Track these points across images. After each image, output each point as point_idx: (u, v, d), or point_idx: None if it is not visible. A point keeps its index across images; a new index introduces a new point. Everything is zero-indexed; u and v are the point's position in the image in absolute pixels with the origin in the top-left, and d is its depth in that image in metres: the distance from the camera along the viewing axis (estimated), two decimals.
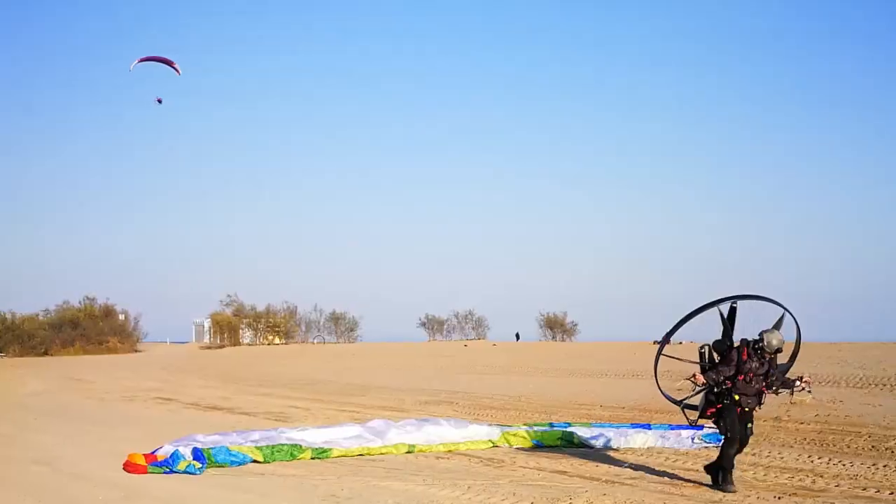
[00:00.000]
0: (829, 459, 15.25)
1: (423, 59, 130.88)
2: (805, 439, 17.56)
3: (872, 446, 16.45)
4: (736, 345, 13.28)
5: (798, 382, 13.43)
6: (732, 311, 13.83)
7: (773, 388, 13.24)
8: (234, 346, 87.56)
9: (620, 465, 15.07)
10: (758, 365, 12.93)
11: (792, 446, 16.86)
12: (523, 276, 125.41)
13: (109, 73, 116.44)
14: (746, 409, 13.05)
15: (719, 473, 13.04)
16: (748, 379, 12.90)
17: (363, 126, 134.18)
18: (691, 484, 13.34)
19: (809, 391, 13.82)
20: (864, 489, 12.71)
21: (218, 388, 37.22)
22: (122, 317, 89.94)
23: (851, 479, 13.50)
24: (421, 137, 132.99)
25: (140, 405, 29.52)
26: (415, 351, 67.22)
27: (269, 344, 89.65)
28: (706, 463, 13.68)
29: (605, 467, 15.03)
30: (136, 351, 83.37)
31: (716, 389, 13.13)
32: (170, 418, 24.82)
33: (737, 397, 12.92)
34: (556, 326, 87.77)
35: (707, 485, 13.16)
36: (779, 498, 12.27)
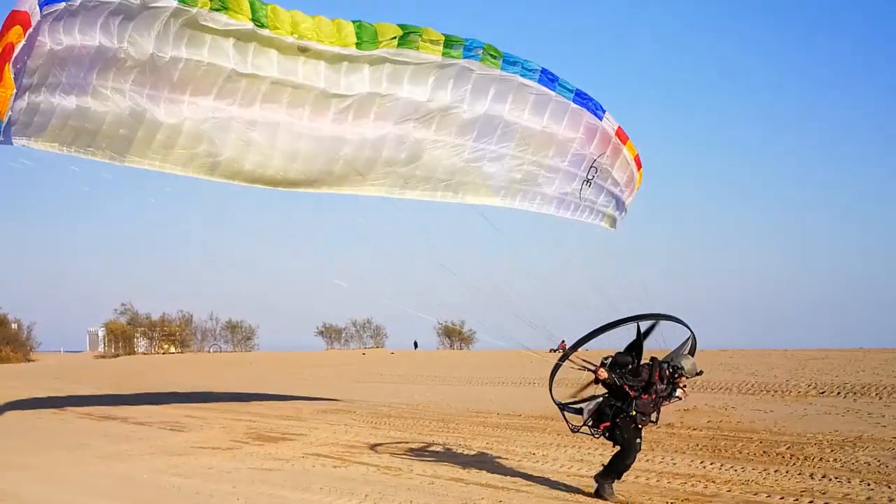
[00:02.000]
0: (721, 465, 15.49)
1: None
2: (697, 445, 17.84)
3: (764, 451, 16.80)
4: (644, 361, 13.24)
5: (677, 393, 13.24)
6: (649, 329, 13.61)
7: (662, 402, 13.22)
8: (130, 354, 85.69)
9: (515, 473, 15.07)
10: (664, 387, 12.96)
11: (684, 452, 17.11)
12: (421, 284, 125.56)
13: None
14: (640, 426, 13.08)
15: (606, 483, 12.96)
16: (651, 399, 12.91)
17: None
18: (584, 493, 13.39)
19: (683, 399, 13.61)
20: (756, 494, 12.93)
21: (112, 397, 36.21)
22: (14, 326, 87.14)
23: (743, 484, 13.73)
24: None
25: (31, 414, 28.52)
26: (313, 360, 66.64)
27: (164, 353, 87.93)
28: (597, 472, 13.54)
29: (500, 474, 15.01)
30: (29, 360, 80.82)
31: (612, 403, 13.06)
32: (61, 428, 24.09)
33: (634, 414, 12.89)
34: (454, 335, 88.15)
35: (588, 494, 13.11)
36: (671, 503, 12.40)
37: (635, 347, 13.44)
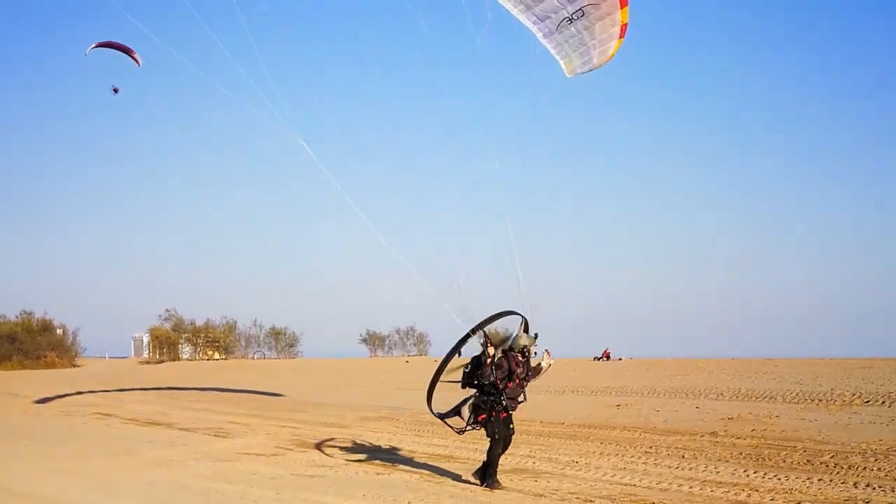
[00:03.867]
0: (765, 474, 15.45)
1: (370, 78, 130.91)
2: (741, 454, 17.78)
3: (807, 460, 16.72)
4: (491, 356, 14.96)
5: (542, 363, 15.53)
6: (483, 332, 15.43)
7: (528, 381, 15.17)
8: (174, 360, 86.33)
9: (558, 482, 15.12)
10: (522, 371, 14.88)
11: (728, 461, 17.07)
12: (465, 292, 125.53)
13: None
14: (510, 412, 14.80)
15: (486, 474, 14.71)
16: (517, 384, 14.77)
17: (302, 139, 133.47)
18: (628, 499, 13.42)
19: (550, 363, 15.73)
20: (799, 502, 12.90)
21: (156, 403, 36.66)
22: (60, 331, 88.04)
23: (786, 492, 13.69)
24: (357, 150, 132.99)
25: (77, 420, 28.97)
26: (356, 367, 66.88)
27: (208, 359, 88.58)
28: (474, 470, 15.34)
29: (543, 482, 15.08)
30: (74, 366, 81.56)
31: (484, 398, 14.83)
32: (106, 433, 24.43)
33: (504, 402, 14.65)
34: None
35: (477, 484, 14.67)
36: None
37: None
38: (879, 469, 15.46)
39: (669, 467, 16.55)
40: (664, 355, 66.27)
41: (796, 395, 28.91)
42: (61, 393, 41.70)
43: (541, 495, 13.84)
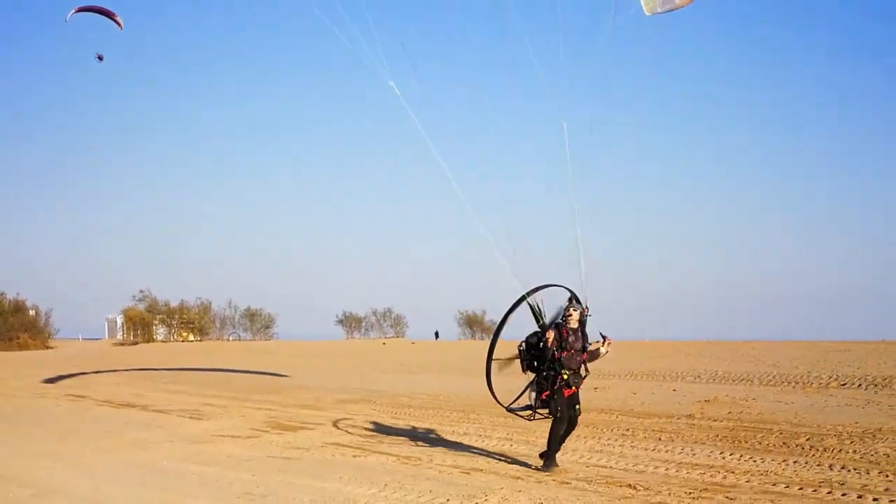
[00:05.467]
0: (741, 456, 15.49)
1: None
2: (717, 436, 17.83)
3: (783, 443, 16.77)
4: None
5: (601, 348, 14.80)
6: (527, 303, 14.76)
7: (588, 361, 14.61)
8: (148, 342, 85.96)
9: (536, 462, 15.10)
10: (574, 339, 14.25)
11: (704, 443, 17.10)
12: (442, 274, 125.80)
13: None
14: (574, 389, 14.31)
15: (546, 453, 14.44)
16: (571, 354, 14.20)
17: (278, 120, 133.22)
18: (604, 481, 13.43)
19: (608, 350, 14.93)
20: (775, 485, 12.92)
21: (131, 385, 36.43)
22: (32, 312, 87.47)
23: (762, 475, 13.72)
24: (336, 136, 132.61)
25: (51, 402, 28.74)
26: (332, 349, 66.83)
27: (183, 340, 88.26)
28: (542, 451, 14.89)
29: (520, 464, 15.06)
30: (47, 347, 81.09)
31: (544, 374, 14.35)
32: (82, 415, 24.26)
33: (565, 375, 14.15)
34: (474, 325, 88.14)
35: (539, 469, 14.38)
36: (690, 493, 12.40)
37: (538, 320, 14.67)
38: (854, 451, 15.53)
39: (646, 449, 16.57)
40: (642, 338, 66.59)
41: (773, 377, 29.07)
42: (64, 373, 41.56)
43: (517, 478, 13.81)
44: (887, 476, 13.31)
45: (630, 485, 13.07)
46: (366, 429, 20.44)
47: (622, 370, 34.92)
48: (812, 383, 26.92)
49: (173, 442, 18.48)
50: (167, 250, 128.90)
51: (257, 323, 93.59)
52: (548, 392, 14.32)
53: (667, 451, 16.14)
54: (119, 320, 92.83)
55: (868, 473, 13.55)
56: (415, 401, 27.50)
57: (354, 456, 16.37)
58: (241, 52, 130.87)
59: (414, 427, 20.64)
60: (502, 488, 12.90)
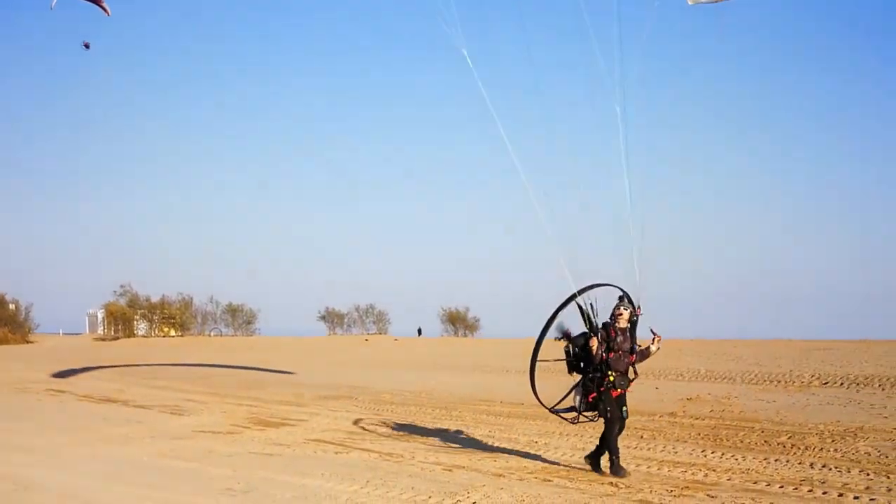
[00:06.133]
0: (722, 454, 15.52)
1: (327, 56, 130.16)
2: (699, 434, 17.86)
3: (765, 441, 16.81)
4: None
5: (651, 346, 14.30)
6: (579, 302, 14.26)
7: (637, 361, 14.06)
8: (129, 337, 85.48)
9: (518, 461, 15.08)
10: (622, 339, 13.78)
11: (686, 441, 17.13)
12: (425, 270, 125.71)
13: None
14: (620, 391, 13.75)
15: (599, 459, 13.91)
16: (618, 355, 13.71)
17: (262, 118, 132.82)
18: (586, 479, 13.43)
19: (658, 347, 14.48)
20: (756, 483, 12.94)
21: (112, 380, 36.23)
22: (12, 306, 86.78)
23: (743, 473, 13.74)
24: (319, 130, 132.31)
25: (32, 397, 28.58)
26: (314, 345, 66.61)
27: (164, 336, 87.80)
28: (587, 454, 14.39)
29: (502, 462, 15.05)
30: (27, 342, 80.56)
31: (590, 375, 13.86)
32: (62, 410, 24.13)
33: (612, 377, 13.64)
34: (458, 322, 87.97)
35: (592, 470, 13.89)
36: (671, 491, 12.41)
37: (587, 321, 14.18)
38: (836, 450, 15.58)
39: (628, 447, 16.57)
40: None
41: (755, 375, 29.14)
42: (15, 371, 41.23)
43: (499, 475, 13.79)
44: (868, 475, 13.35)
45: (612, 482, 13.08)
46: (348, 425, 20.38)
47: None
48: (794, 382, 26.99)
49: (154, 437, 18.40)
50: (149, 245, 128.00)
51: (239, 318, 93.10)
52: (594, 394, 13.82)
53: (649, 449, 16.16)
54: (100, 315, 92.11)
55: (849, 472, 13.59)
56: (397, 397, 27.45)
57: (336, 452, 16.32)
58: (217, 45, 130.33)
59: (396, 424, 20.59)
60: (484, 485, 12.88)
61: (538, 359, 14.84)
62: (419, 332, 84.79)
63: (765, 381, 27.92)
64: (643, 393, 26.08)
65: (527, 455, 15.85)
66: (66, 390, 30.76)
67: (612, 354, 13.69)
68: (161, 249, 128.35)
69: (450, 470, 14.27)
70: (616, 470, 13.54)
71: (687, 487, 12.67)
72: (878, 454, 15.08)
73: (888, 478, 13.09)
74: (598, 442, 14.19)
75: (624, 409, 13.84)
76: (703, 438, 17.38)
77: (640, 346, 14.06)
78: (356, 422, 21.01)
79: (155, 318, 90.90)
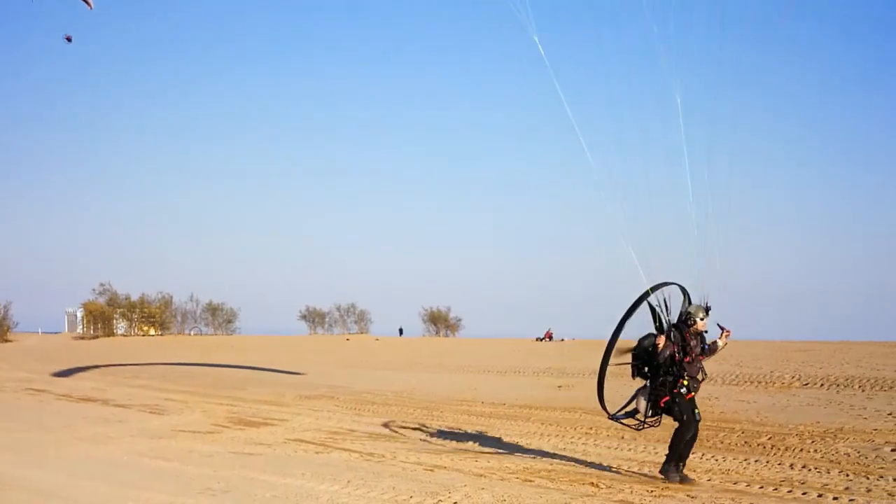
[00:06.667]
0: (703, 455, 15.56)
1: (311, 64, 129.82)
2: None
3: (745, 442, 16.86)
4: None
5: (718, 342, 13.71)
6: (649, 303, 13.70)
7: (704, 357, 13.56)
8: (109, 336, 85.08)
9: (499, 461, 15.07)
10: (695, 343, 13.31)
11: (666, 442, 17.07)
12: (407, 271, 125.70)
13: None
14: (693, 394, 13.31)
15: (679, 466, 13.25)
16: (693, 358, 13.23)
17: (243, 118, 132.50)
18: (567, 479, 13.42)
19: (726, 343, 13.87)
20: (736, 483, 12.98)
21: (91, 379, 36.06)
22: None
23: (723, 473, 13.79)
24: (300, 130, 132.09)
25: (10, 396, 28.39)
26: (295, 344, 66.50)
27: (144, 335, 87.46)
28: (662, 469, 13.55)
29: (483, 462, 15.03)
30: (6, 341, 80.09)
31: (661, 379, 13.30)
32: (42, 409, 23.97)
33: (685, 381, 13.18)
34: (439, 321, 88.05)
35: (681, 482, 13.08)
36: (651, 492, 12.42)
37: (659, 322, 13.62)
38: (815, 451, 15.63)
39: (609, 448, 16.62)
40: (606, 336, 66.72)
41: (736, 376, 29.21)
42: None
43: (481, 475, 13.77)
44: (847, 475, 13.40)
45: (593, 483, 13.08)
46: (329, 425, 20.33)
47: (587, 368, 34.95)
48: (774, 383, 27.07)
49: (133, 437, 18.31)
50: (128, 243, 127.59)
51: (219, 317, 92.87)
52: (667, 398, 13.33)
53: (629, 450, 16.21)
54: (79, 314, 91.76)
55: (829, 472, 13.64)
56: (378, 397, 27.41)
57: (317, 452, 16.27)
58: (198, 48, 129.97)
59: (377, 424, 20.55)
60: (465, 485, 12.85)
61: (610, 363, 14.09)
62: (400, 331, 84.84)
63: (745, 382, 27.99)
64: (625, 393, 26.15)
65: (508, 455, 15.84)
66: (45, 389, 30.60)
67: (686, 358, 13.20)
68: (141, 248, 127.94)
69: (431, 470, 14.24)
70: (670, 472, 13.19)
71: (667, 488, 12.70)
72: (858, 455, 15.14)
73: (867, 478, 13.14)
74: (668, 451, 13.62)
75: (696, 411, 13.40)
76: None
77: (707, 345, 13.67)
78: (337, 422, 20.95)
79: (134, 316, 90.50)
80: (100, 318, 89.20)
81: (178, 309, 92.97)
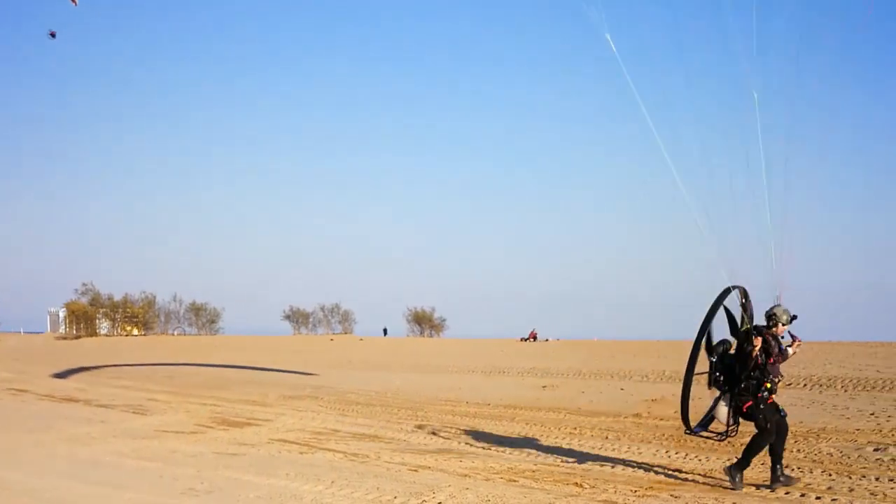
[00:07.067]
0: (686, 455, 15.61)
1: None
2: (664, 435, 17.94)
3: (728, 442, 16.87)
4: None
5: (789, 350, 13.37)
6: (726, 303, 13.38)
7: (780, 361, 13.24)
8: (91, 336, 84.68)
9: (483, 461, 15.07)
10: (774, 344, 12.99)
11: (650, 442, 17.20)
12: (391, 271, 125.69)
13: None
14: (774, 395, 13.04)
15: (776, 468, 12.87)
16: (774, 360, 12.96)
17: (228, 118, 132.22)
18: (551, 479, 13.44)
19: (796, 351, 13.61)
20: (719, 483, 13.02)
21: (73, 379, 35.89)
22: None
23: (707, 473, 13.82)
24: (286, 131, 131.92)
25: None
26: (279, 344, 66.35)
27: (127, 335, 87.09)
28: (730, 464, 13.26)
29: (467, 462, 15.02)
30: None
31: (743, 384, 12.99)
32: (23, 410, 23.84)
33: (769, 385, 12.87)
34: (424, 322, 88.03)
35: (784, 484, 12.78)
36: (635, 491, 12.44)
37: (735, 323, 13.34)
38: (798, 451, 15.70)
39: (593, 448, 16.63)
40: (590, 336, 67.02)
41: None
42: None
43: (465, 475, 13.76)
44: (830, 475, 13.46)
45: (577, 483, 13.09)
46: (313, 425, 20.29)
47: (571, 369, 35.09)
48: None
49: (116, 437, 18.22)
50: (111, 244, 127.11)
51: (203, 317, 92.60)
52: (750, 402, 12.94)
53: (613, 450, 16.21)
54: (61, 314, 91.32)
55: (811, 472, 13.69)
56: (362, 397, 27.38)
57: (301, 452, 16.23)
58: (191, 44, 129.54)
59: (361, 424, 20.53)
60: (450, 485, 12.84)
61: (696, 372, 13.55)
62: (385, 331, 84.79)
63: None
64: (609, 394, 26.24)
65: (492, 455, 15.84)
66: (26, 389, 30.43)
67: (770, 361, 12.91)
68: (124, 248, 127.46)
69: (415, 470, 14.23)
70: (737, 479, 12.83)
71: (651, 487, 12.72)
72: (841, 455, 15.20)
73: (850, 478, 13.20)
74: (758, 457, 13.31)
75: (782, 409, 13.13)
76: (667, 439, 17.46)
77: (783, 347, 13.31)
78: (321, 422, 20.91)
79: (117, 316, 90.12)
80: (82, 318, 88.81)
81: (162, 309, 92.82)
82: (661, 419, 20.40)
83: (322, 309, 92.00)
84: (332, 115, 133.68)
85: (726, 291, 13.14)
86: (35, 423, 20.37)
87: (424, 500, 11.92)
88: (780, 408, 13.14)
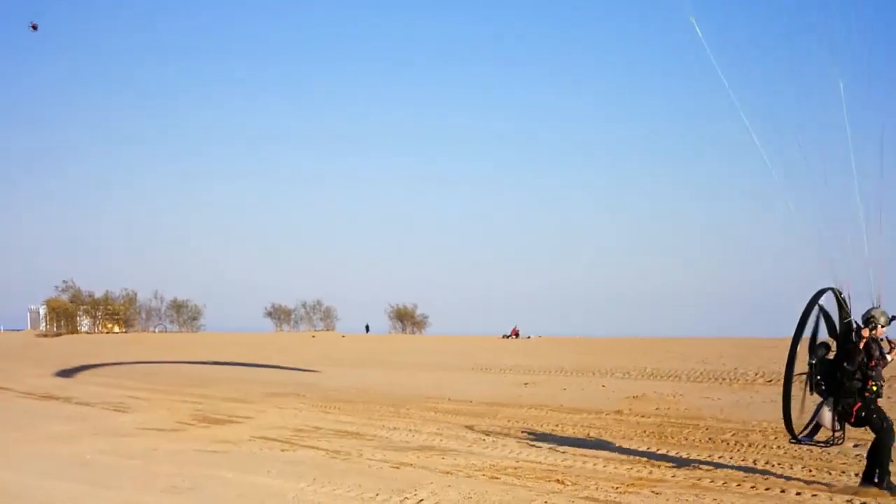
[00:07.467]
0: (667, 451, 15.65)
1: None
2: (645, 432, 18.00)
3: (709, 438, 16.99)
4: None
5: (888, 357, 12.71)
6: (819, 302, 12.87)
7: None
8: (72, 333, 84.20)
9: (465, 459, 15.08)
10: (875, 346, 12.55)
11: (632, 439, 17.26)
12: (373, 267, 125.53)
13: None
14: (881, 397, 12.61)
15: (876, 472, 12.30)
16: (878, 363, 12.49)
17: (209, 114, 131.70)
18: (533, 476, 13.46)
19: (892, 359, 12.78)
20: (700, 479, 13.06)
21: (53, 376, 35.69)
22: None
23: (687, 469, 13.87)
24: (270, 128, 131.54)
25: None
26: (261, 341, 66.16)
27: (108, 332, 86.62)
28: (863, 471, 12.66)
29: (450, 459, 15.03)
30: None
31: (847, 385, 12.51)
32: (2, 407, 23.72)
33: (875, 388, 12.42)
34: (406, 318, 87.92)
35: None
36: (617, 488, 12.47)
37: (833, 325, 12.89)
38: (779, 447, 15.78)
39: (574, 444, 16.66)
40: (572, 334, 67.11)
41: (700, 374, 29.46)
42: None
43: (447, 472, 13.76)
44: (810, 471, 13.54)
45: (558, 479, 13.11)
46: (295, 422, 20.25)
47: (552, 366, 35.13)
48: (739, 380, 27.31)
49: (96, 435, 18.12)
50: (92, 241, 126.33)
51: (184, 314, 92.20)
52: (859, 404, 12.41)
53: (595, 447, 16.25)
54: (42, 311, 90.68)
55: (791, 468, 13.78)
56: (344, 395, 27.35)
57: (283, 450, 16.19)
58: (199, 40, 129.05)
59: (343, 421, 20.50)
60: (432, 483, 12.85)
61: (795, 373, 13.06)
62: (367, 328, 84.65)
63: (709, 379, 28.23)
64: (590, 391, 26.31)
65: (474, 452, 15.84)
66: (6, 387, 30.24)
67: (871, 362, 12.40)
68: (105, 245, 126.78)
69: (397, 467, 14.22)
70: (889, 485, 12.18)
71: (632, 484, 12.75)
72: (820, 451, 15.26)
73: (829, 473, 13.30)
74: (866, 460, 12.67)
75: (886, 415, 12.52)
76: (648, 436, 17.52)
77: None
78: (303, 419, 20.87)
79: (98, 314, 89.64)
80: (63, 316, 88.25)
81: (143, 306, 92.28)
82: (643, 416, 20.48)
83: (304, 306, 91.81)
84: (315, 115, 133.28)
85: (821, 292, 12.71)
86: (15, 421, 20.25)
87: (406, 498, 11.92)
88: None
